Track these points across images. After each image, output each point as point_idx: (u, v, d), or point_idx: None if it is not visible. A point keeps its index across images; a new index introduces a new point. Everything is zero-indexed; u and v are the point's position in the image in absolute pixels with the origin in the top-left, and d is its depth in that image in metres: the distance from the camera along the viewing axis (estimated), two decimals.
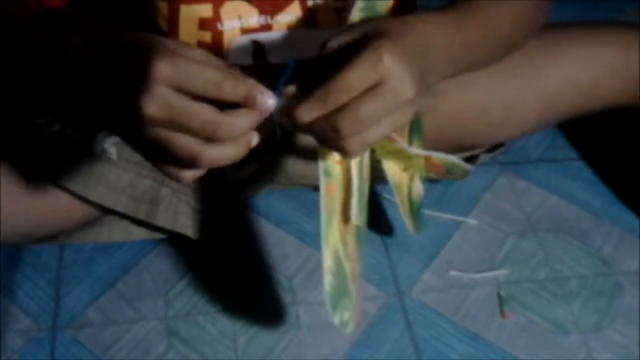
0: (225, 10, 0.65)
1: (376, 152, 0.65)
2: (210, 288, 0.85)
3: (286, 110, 0.48)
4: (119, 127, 0.49)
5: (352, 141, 0.48)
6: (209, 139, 0.45)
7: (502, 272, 0.88)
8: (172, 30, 0.66)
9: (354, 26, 0.52)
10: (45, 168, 0.73)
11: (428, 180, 0.82)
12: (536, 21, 0.69)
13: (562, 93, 0.80)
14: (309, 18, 0.67)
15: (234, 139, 0.46)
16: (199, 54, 0.47)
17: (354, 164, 0.57)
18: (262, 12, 0.66)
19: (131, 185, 0.76)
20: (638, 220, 0.94)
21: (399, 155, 0.64)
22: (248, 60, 0.68)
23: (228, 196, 0.87)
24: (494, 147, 0.89)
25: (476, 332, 0.82)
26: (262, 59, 0.69)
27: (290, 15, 0.67)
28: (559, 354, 0.81)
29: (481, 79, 0.76)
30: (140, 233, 0.85)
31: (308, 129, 0.49)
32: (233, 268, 0.87)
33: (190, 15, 0.65)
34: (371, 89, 0.47)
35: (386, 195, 0.93)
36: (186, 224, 0.80)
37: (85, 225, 0.83)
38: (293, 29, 0.68)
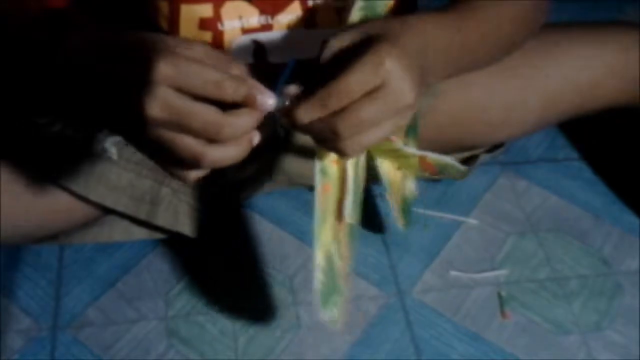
0: (226, 10, 0.65)
1: (370, 150, 0.65)
2: (210, 288, 0.85)
3: (286, 110, 0.48)
4: (120, 127, 0.49)
5: (350, 143, 0.48)
6: (211, 139, 0.45)
7: (502, 272, 0.88)
8: (173, 30, 0.66)
9: (353, 26, 0.52)
10: (46, 168, 0.73)
11: (429, 180, 0.82)
12: (536, 21, 0.69)
13: (562, 93, 0.80)
14: (309, 18, 0.67)
15: (236, 139, 0.46)
16: (201, 50, 0.47)
17: (350, 163, 0.57)
18: (262, 12, 0.66)
19: (131, 185, 0.76)
20: (638, 220, 0.94)
21: (394, 154, 0.64)
22: (248, 60, 0.68)
23: (228, 196, 0.87)
24: (494, 147, 0.89)
25: (476, 332, 0.82)
26: (262, 59, 0.69)
27: (291, 15, 0.67)
28: (559, 354, 0.81)
29: (481, 79, 0.76)
30: (141, 233, 0.85)
31: (307, 129, 0.49)
32: (233, 268, 0.87)
33: (190, 15, 0.65)
34: (371, 93, 0.47)
35: (379, 192, 0.93)
36: (186, 224, 0.80)
37: (86, 225, 0.83)
38: (293, 28, 0.68)
